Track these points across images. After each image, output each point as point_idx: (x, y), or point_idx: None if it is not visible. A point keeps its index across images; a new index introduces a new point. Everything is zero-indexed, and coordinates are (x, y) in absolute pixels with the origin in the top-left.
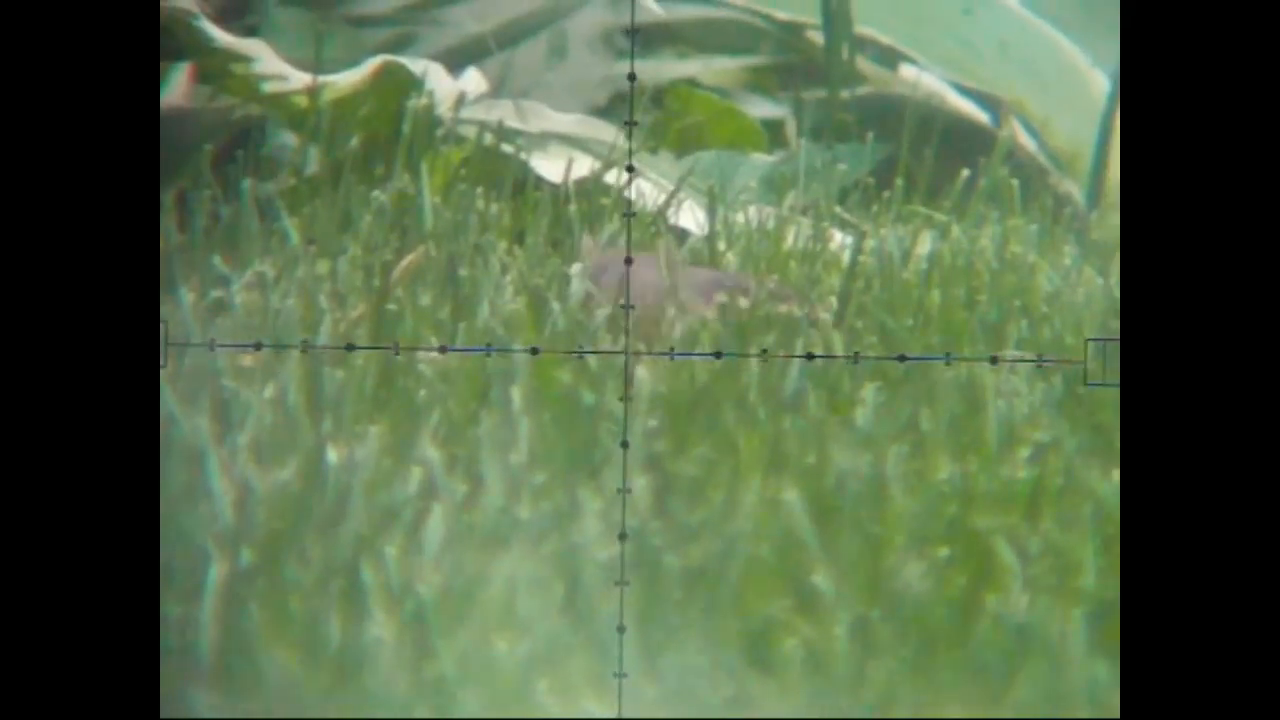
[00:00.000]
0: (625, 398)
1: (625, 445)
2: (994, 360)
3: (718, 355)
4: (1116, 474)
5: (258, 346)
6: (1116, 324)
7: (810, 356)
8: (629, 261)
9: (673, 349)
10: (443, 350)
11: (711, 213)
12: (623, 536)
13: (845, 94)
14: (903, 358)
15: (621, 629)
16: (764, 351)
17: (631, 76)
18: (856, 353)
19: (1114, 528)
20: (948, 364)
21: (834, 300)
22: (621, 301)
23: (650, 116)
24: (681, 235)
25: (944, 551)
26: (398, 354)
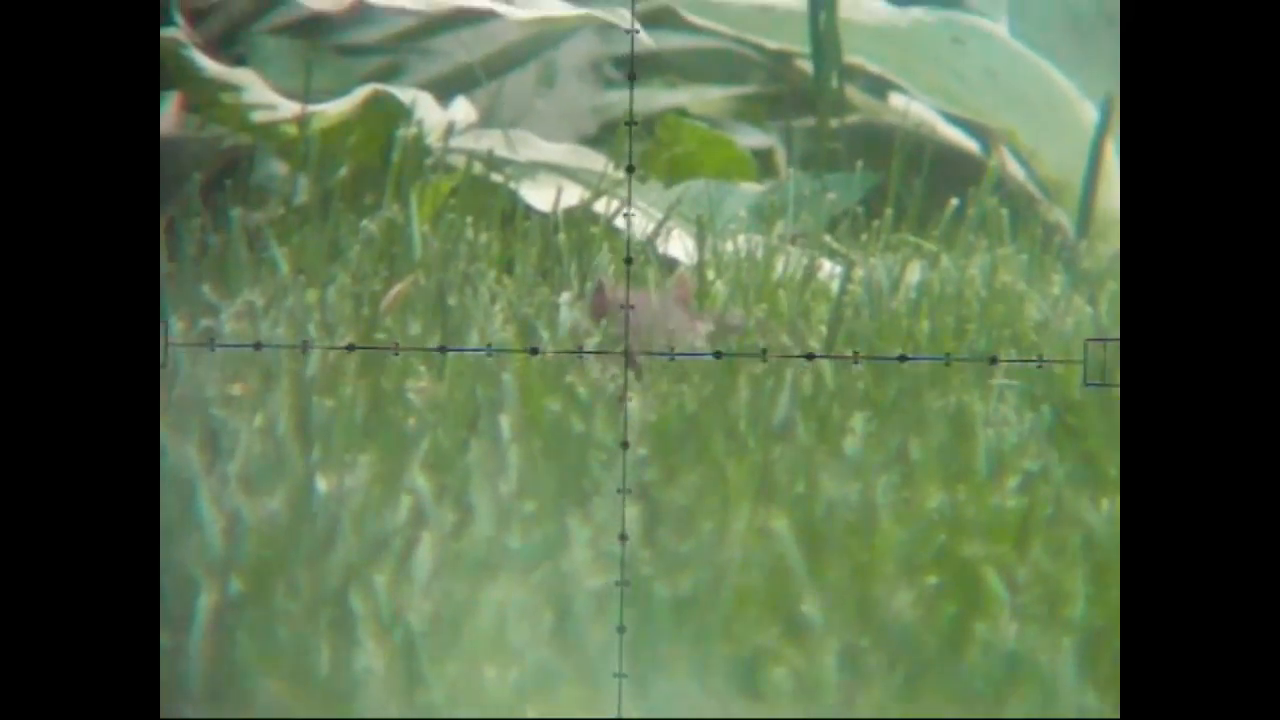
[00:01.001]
0: (623, 397)
1: (625, 445)
2: (994, 360)
3: (717, 355)
4: (1106, 503)
5: (257, 346)
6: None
7: (810, 357)
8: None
9: (673, 349)
10: (442, 350)
11: (700, 242)
12: (623, 537)
13: (834, 123)
14: (903, 358)
15: (622, 629)
16: (764, 351)
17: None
18: (856, 352)
19: (1105, 555)
20: (947, 364)
21: (824, 329)
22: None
23: (640, 146)
24: (670, 264)
25: (933, 580)
26: (397, 354)
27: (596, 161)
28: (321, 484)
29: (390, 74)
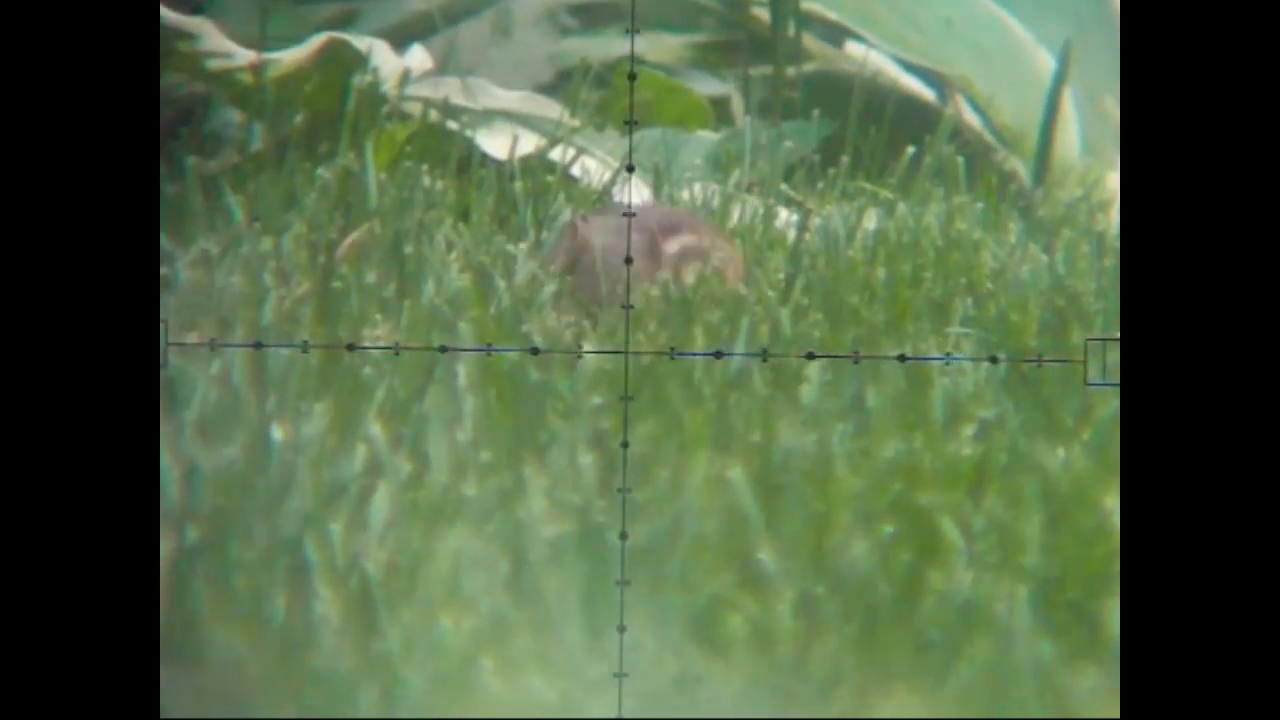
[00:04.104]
0: (625, 397)
1: (625, 445)
2: (994, 360)
3: (718, 355)
4: (1061, 451)
5: (258, 345)
6: (1062, 301)
7: (811, 357)
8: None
9: (673, 349)
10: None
11: (657, 190)
12: (623, 536)
13: (791, 71)
14: (902, 358)
15: (622, 629)
16: (763, 352)
17: (632, 75)
18: (857, 352)
19: (1060, 503)
20: (947, 364)
21: (780, 277)
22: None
23: (596, 94)
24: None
25: (889, 529)
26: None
27: (553, 109)
28: (277, 433)
29: (346, 22)
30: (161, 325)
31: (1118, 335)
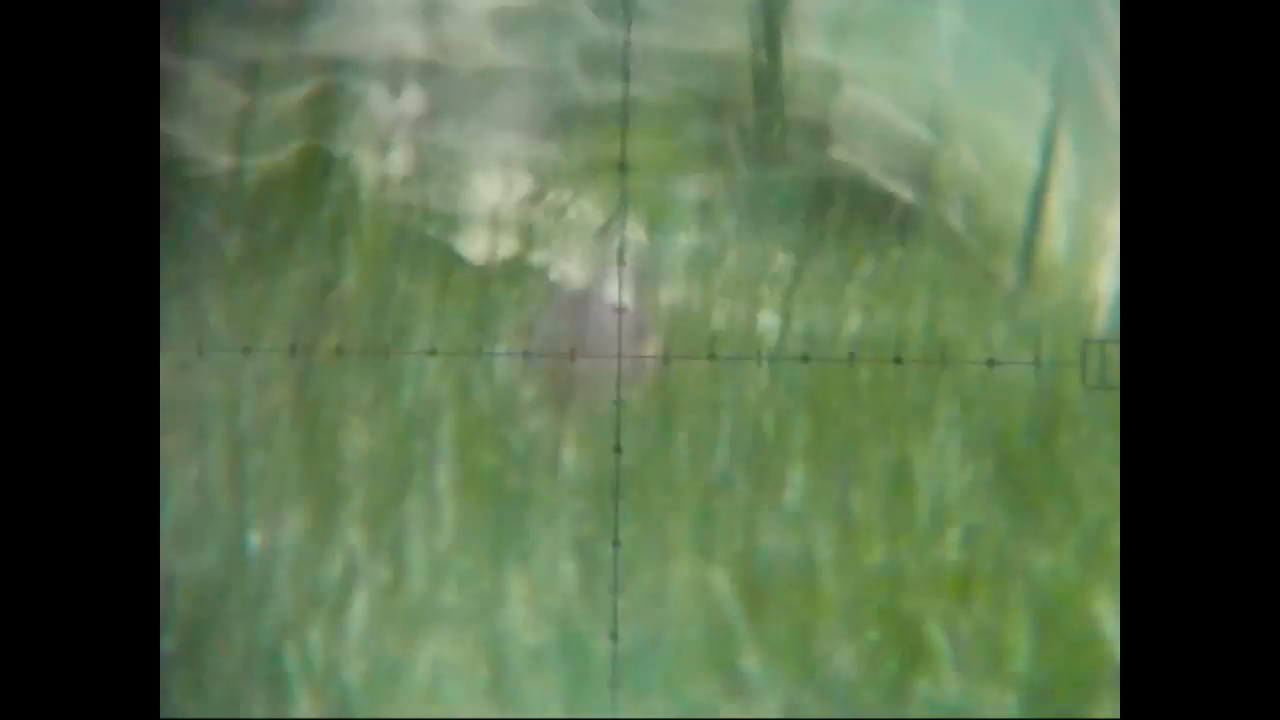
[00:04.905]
0: (618, 401)
1: (619, 450)
2: (991, 364)
3: (710, 357)
4: (1048, 555)
5: (246, 350)
6: (1049, 406)
7: (807, 359)
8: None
9: (668, 352)
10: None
11: (639, 290)
12: (616, 543)
13: (775, 172)
14: (899, 360)
15: (614, 636)
16: (760, 354)
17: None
18: (851, 354)
19: (1046, 608)
20: (945, 366)
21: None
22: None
23: (579, 195)
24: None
25: (874, 635)
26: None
27: (549, 153)
28: (254, 539)
29: (325, 126)
30: (161, 329)
31: (1117, 338)
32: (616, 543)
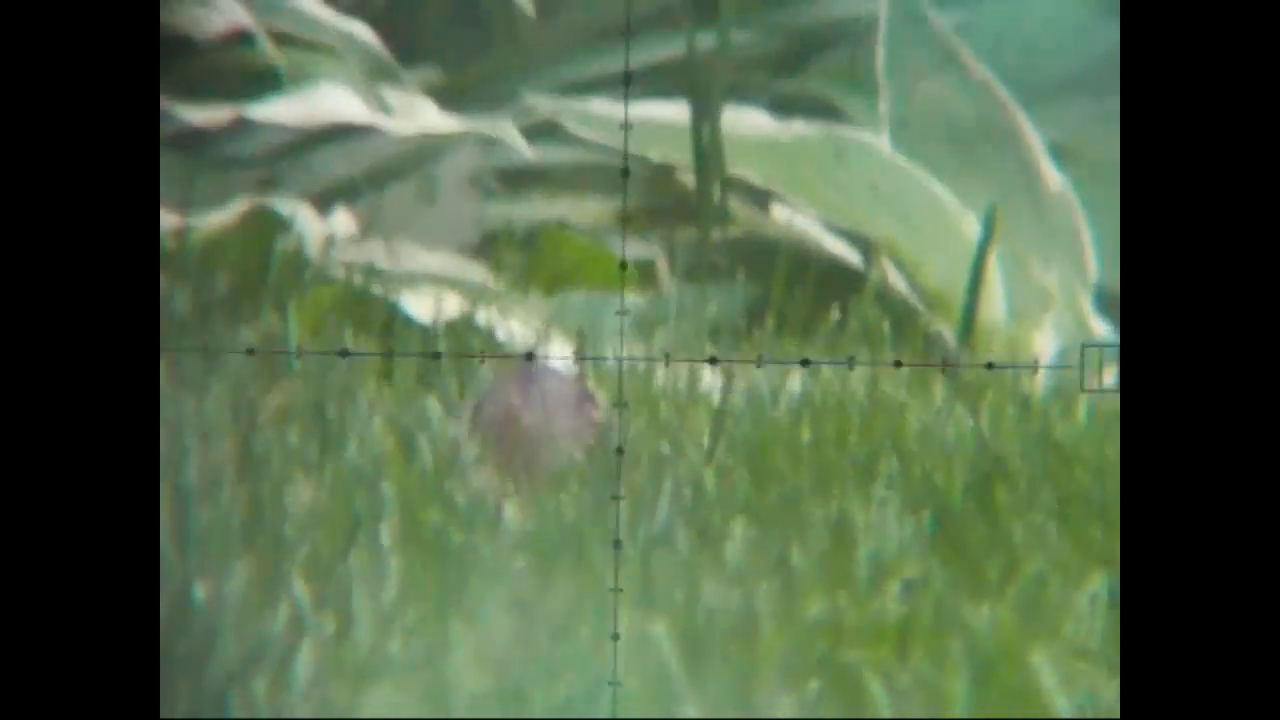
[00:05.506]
0: (620, 403)
1: (620, 451)
2: (990, 366)
3: (712, 361)
4: (986, 609)
5: (250, 352)
6: (988, 466)
7: (805, 362)
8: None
9: (668, 355)
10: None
11: (580, 349)
12: (616, 544)
13: (717, 235)
14: (897, 363)
15: (615, 636)
16: (760, 357)
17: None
18: (852, 356)
19: (985, 660)
20: (942, 370)
21: (705, 439)
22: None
23: (520, 257)
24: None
25: (814, 685)
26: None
27: (477, 272)
28: (199, 591)
29: (270, 186)
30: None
31: (1116, 341)
32: (617, 543)
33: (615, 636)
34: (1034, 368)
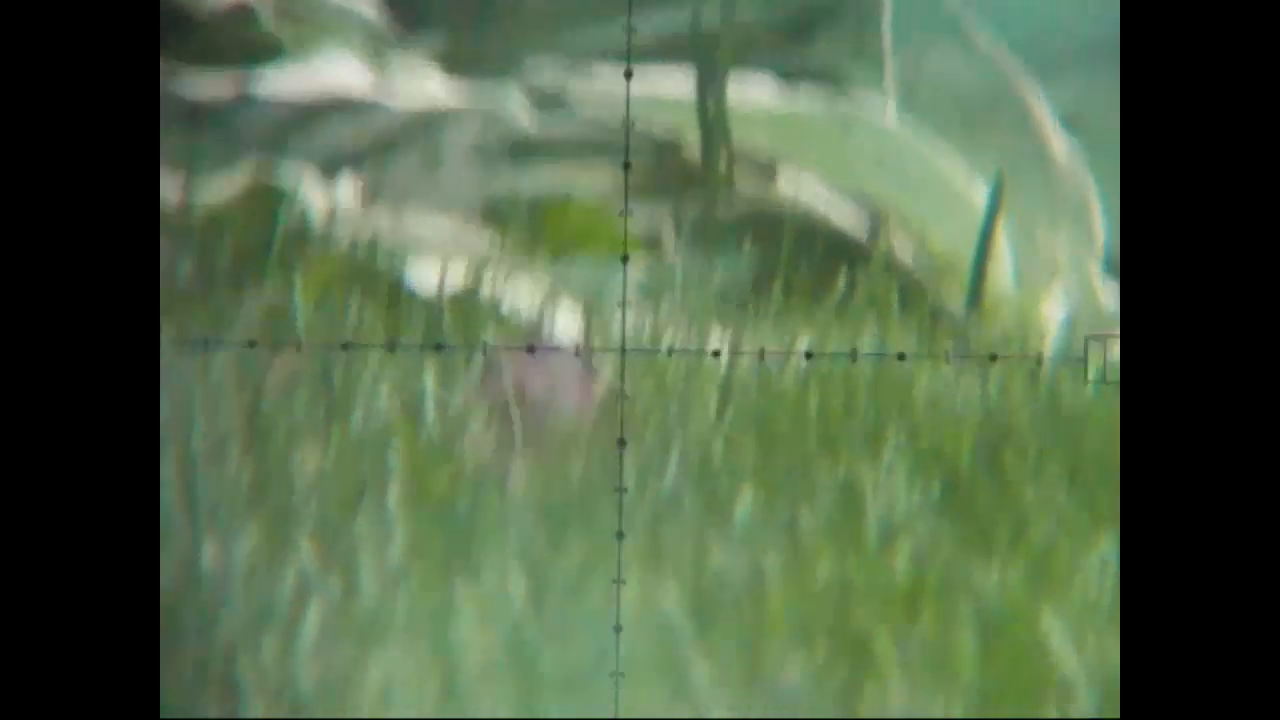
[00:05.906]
0: (622, 395)
1: (623, 443)
2: (993, 358)
3: (715, 355)
4: (995, 570)
5: (251, 344)
6: (998, 433)
7: (809, 355)
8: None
9: (670, 348)
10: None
11: (586, 321)
12: (620, 535)
13: (723, 205)
14: (901, 355)
15: (618, 628)
16: (761, 352)
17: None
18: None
19: (992, 621)
20: (948, 362)
21: (712, 405)
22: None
23: (526, 227)
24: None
25: (823, 647)
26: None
27: (482, 241)
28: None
29: (274, 158)
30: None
31: (1117, 333)
32: (620, 535)
33: (618, 629)
34: (1038, 360)
